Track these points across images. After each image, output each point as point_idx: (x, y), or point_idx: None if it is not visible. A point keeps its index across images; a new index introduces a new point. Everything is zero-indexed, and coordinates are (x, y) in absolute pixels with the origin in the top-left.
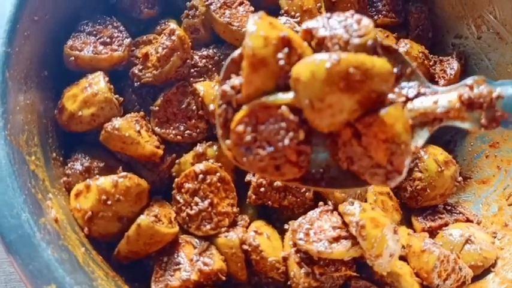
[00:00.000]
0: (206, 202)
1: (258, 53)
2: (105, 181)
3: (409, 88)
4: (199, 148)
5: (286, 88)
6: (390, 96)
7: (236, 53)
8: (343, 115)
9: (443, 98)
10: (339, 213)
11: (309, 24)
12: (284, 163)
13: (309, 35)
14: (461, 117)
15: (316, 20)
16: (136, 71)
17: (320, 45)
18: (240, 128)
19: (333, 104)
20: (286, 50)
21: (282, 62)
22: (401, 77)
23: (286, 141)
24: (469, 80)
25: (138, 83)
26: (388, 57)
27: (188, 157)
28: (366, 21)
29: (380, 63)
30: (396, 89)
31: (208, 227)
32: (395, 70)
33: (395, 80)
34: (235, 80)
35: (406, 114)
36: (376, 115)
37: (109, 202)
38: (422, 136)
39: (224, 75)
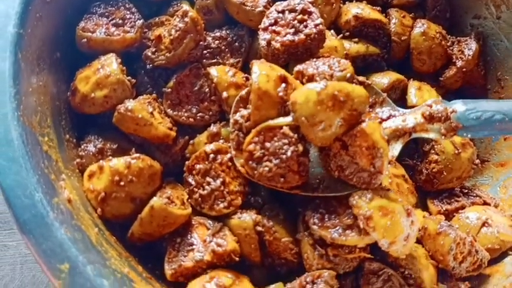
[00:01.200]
0: (218, 181)
1: (262, 86)
2: (118, 162)
3: (382, 112)
4: (213, 128)
5: (285, 115)
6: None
7: (243, 92)
8: (332, 129)
9: (410, 116)
10: None
11: (299, 66)
12: (288, 172)
13: (300, 74)
14: (425, 130)
15: (305, 63)
16: (149, 54)
17: (310, 81)
18: (251, 146)
19: (323, 120)
20: (283, 85)
21: (281, 93)
22: (375, 104)
23: (289, 153)
24: (429, 101)
25: (151, 66)
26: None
27: (202, 137)
28: (345, 61)
29: (358, 88)
30: (372, 114)
31: (221, 205)
32: (370, 99)
33: (370, 106)
34: (244, 112)
35: (381, 130)
36: (358, 127)
37: (122, 183)
38: (397, 148)
39: (234, 109)
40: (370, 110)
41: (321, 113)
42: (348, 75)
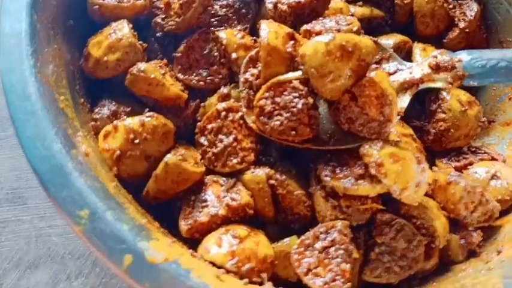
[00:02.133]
0: (231, 137)
1: (271, 42)
2: (132, 121)
3: (389, 67)
4: (223, 90)
5: (294, 71)
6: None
7: (253, 52)
8: (342, 80)
9: (416, 68)
10: None
11: (306, 26)
12: (299, 125)
13: (307, 33)
14: (432, 80)
15: (312, 23)
16: (159, 20)
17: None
18: (262, 102)
19: (332, 70)
20: (292, 42)
21: (289, 49)
22: (382, 60)
23: (299, 106)
24: (435, 53)
25: (161, 33)
26: None
27: (213, 99)
28: (351, 17)
29: (365, 39)
30: (380, 69)
31: (234, 161)
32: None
33: (377, 63)
34: (254, 70)
35: (389, 80)
36: (367, 77)
37: (136, 141)
38: (405, 100)
39: (244, 69)
40: (377, 66)
41: (330, 63)
42: (355, 28)
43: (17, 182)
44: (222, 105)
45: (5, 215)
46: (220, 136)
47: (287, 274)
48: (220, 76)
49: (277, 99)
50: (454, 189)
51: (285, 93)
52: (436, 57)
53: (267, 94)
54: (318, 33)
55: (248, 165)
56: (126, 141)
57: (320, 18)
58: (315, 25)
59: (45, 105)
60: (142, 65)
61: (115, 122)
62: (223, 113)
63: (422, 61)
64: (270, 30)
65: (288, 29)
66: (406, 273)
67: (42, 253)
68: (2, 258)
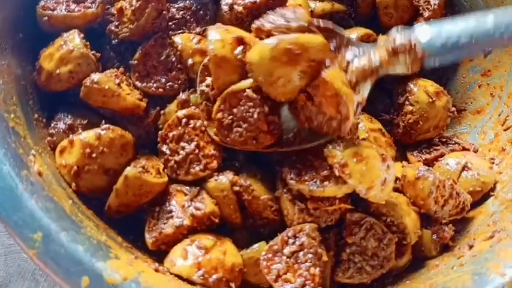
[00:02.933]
0: (193, 145)
1: (218, 53)
2: (87, 135)
3: (347, 53)
4: (182, 96)
5: (248, 77)
6: (328, 63)
7: (206, 59)
8: (293, 83)
9: (375, 54)
10: None
11: (257, 22)
12: (259, 134)
13: (258, 31)
14: (392, 64)
15: (261, 18)
16: (113, 28)
17: (269, 37)
18: (219, 115)
19: (281, 76)
20: (240, 47)
21: (239, 56)
22: (340, 47)
23: (256, 115)
24: (392, 30)
25: (116, 40)
26: (326, 34)
27: (172, 106)
28: (300, 10)
29: (313, 37)
30: (338, 57)
31: (197, 168)
32: (333, 43)
33: (337, 50)
34: (208, 80)
35: (343, 77)
36: (320, 78)
37: (93, 155)
38: (367, 88)
39: (200, 79)
40: (337, 53)
41: (277, 69)
42: (305, 24)
43: None
44: (182, 113)
45: None
46: (182, 144)
47: (258, 280)
48: (179, 81)
49: (234, 110)
50: (423, 185)
51: (241, 103)
52: (394, 40)
53: (223, 106)
54: (269, 33)
55: (211, 173)
56: (83, 155)
57: (270, 12)
58: (264, 22)
59: None
60: (95, 76)
61: (70, 136)
62: (184, 120)
63: (381, 45)
64: (215, 39)
65: (235, 33)
66: (378, 272)
67: (13, 271)
68: None
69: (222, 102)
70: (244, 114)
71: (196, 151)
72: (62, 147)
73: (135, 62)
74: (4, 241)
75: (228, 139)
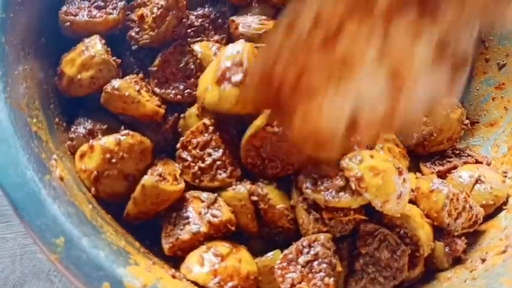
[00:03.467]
0: (220, 151)
1: None
2: (107, 140)
3: None
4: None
5: None
6: None
7: None
8: None
9: None
10: None
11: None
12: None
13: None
14: None
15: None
16: (133, 34)
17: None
18: (249, 160)
19: None
20: None
21: None
22: None
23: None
24: None
25: (136, 46)
26: None
27: (193, 109)
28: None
29: None
30: None
31: (224, 175)
32: None
33: None
34: None
35: None
36: None
37: (113, 160)
38: None
39: None
40: None
41: None
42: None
43: (0, 199)
44: (211, 120)
45: None
46: (208, 150)
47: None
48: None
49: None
50: (437, 197)
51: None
52: None
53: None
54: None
55: (235, 180)
56: (103, 160)
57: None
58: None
59: (16, 132)
60: (116, 83)
61: (91, 141)
62: (211, 128)
63: None
64: None
65: None
66: (391, 283)
67: (28, 271)
68: None
69: (246, 151)
70: (273, 150)
71: (223, 158)
72: (82, 152)
73: (155, 68)
74: (20, 241)
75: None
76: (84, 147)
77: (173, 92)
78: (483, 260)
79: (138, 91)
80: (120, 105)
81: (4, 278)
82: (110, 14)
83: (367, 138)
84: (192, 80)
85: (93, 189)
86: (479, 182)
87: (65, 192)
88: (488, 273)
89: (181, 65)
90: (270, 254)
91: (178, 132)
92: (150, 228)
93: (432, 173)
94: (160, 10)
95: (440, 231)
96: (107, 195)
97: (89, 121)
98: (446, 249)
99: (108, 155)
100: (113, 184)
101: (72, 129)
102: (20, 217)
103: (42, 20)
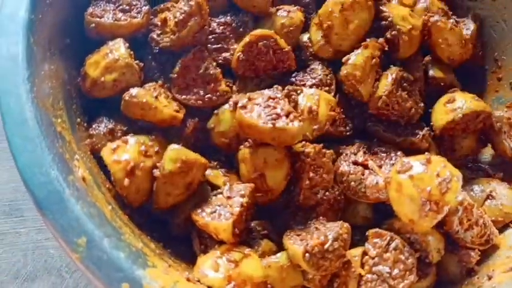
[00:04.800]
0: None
1: None
2: (140, 137)
3: None
4: (235, 98)
5: None
6: None
7: None
8: None
9: None
10: None
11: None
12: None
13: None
14: None
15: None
16: (154, 36)
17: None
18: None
19: None
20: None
21: None
22: None
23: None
24: None
25: (157, 49)
26: None
27: (226, 106)
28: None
29: None
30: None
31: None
32: None
33: None
34: None
35: None
36: None
37: (149, 153)
38: None
39: None
40: None
41: None
42: None
43: (14, 194)
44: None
45: (2, 227)
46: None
47: (283, 286)
48: (218, 93)
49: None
50: None
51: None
52: None
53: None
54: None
55: None
56: (139, 153)
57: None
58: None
59: (42, 131)
60: (134, 91)
61: (123, 137)
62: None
63: None
64: None
65: None
66: (400, 285)
67: (39, 266)
68: (0, 271)
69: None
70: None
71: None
72: (115, 146)
73: (175, 75)
74: (33, 236)
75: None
76: (117, 143)
77: (194, 97)
78: (490, 277)
79: (156, 97)
80: (139, 112)
81: (16, 272)
82: (135, 17)
83: None
84: (212, 85)
85: (127, 180)
86: (490, 197)
87: (87, 192)
88: None
89: (201, 70)
90: (278, 254)
91: (211, 127)
92: (161, 228)
93: None
94: (183, 15)
95: (454, 244)
96: (136, 189)
97: (111, 120)
98: (460, 260)
99: (143, 147)
100: (144, 178)
101: (94, 127)
102: (43, 216)
103: (68, 21)
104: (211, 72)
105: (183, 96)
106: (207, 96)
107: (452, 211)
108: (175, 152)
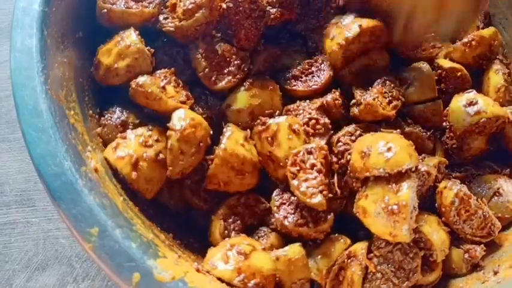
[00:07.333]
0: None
1: None
2: (138, 129)
3: None
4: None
5: None
6: None
7: None
8: None
9: None
10: None
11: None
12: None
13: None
14: None
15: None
16: (161, 19)
17: None
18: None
19: None
20: None
21: None
22: None
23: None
24: None
25: (165, 40)
26: None
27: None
28: None
29: None
30: None
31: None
32: None
33: None
34: None
35: None
36: None
37: (149, 143)
38: None
39: None
40: None
41: None
42: None
43: (26, 184)
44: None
45: (14, 217)
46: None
47: (291, 279)
48: (243, 66)
49: None
50: (447, 194)
51: None
52: None
53: None
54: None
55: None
56: (140, 145)
57: None
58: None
59: (56, 123)
60: (141, 79)
61: (120, 134)
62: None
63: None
64: None
65: None
66: (404, 284)
67: (50, 255)
68: (12, 259)
69: None
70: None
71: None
72: (116, 144)
73: (205, 71)
74: (44, 226)
75: None
76: (118, 140)
77: (228, 77)
78: (495, 272)
79: (163, 87)
80: (144, 101)
81: (27, 260)
82: (146, 7)
83: None
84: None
85: (134, 173)
86: (497, 194)
87: (99, 183)
88: (500, 285)
89: (220, 52)
90: (286, 247)
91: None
92: (171, 220)
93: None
94: (192, 5)
95: (459, 240)
96: (145, 180)
97: (124, 112)
98: (466, 255)
99: (142, 139)
100: (150, 167)
101: (106, 116)
102: (56, 206)
103: (80, 13)
104: (228, 48)
105: (222, 84)
106: (235, 75)
107: (449, 202)
108: (182, 112)
